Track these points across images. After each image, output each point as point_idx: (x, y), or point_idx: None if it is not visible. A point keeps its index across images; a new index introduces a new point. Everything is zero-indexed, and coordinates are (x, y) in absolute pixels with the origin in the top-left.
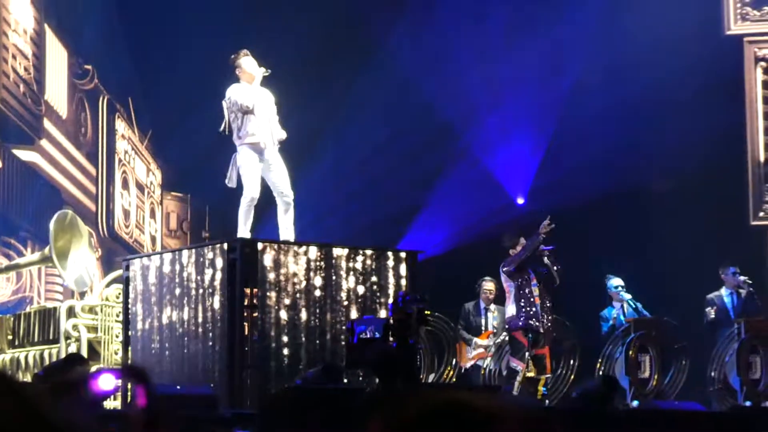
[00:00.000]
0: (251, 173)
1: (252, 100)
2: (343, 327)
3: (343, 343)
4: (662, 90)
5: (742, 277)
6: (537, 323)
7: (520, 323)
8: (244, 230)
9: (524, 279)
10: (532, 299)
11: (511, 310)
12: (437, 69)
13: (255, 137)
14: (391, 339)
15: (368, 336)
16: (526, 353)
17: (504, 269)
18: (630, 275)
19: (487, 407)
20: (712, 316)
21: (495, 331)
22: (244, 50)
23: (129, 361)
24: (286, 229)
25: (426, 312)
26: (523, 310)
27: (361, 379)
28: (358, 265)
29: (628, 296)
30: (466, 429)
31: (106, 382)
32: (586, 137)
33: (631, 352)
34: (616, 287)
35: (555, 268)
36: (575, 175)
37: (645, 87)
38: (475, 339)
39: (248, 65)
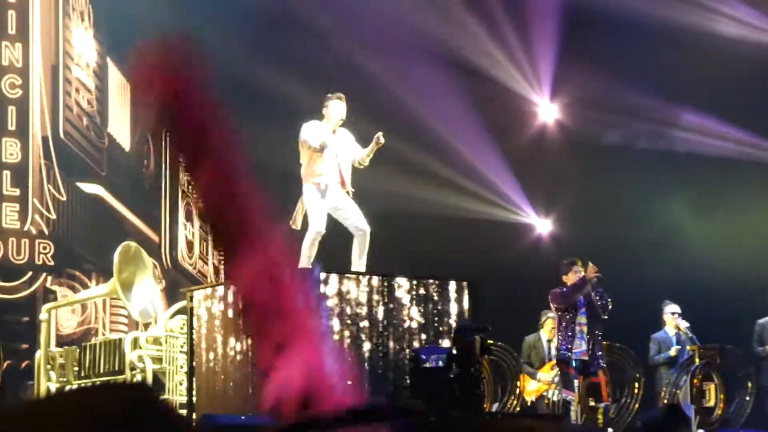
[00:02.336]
0: (316, 209)
1: (321, 139)
2: (406, 356)
3: (406, 372)
4: (721, 115)
5: None
6: (582, 351)
7: (564, 353)
8: (305, 262)
9: (569, 308)
10: (577, 328)
11: (556, 340)
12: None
13: (319, 177)
14: (453, 368)
15: (431, 365)
16: (575, 381)
17: (552, 303)
18: (685, 300)
19: None
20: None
21: None
22: (338, 94)
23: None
24: (359, 263)
25: (488, 341)
26: (566, 339)
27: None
28: (421, 295)
29: (686, 324)
30: None
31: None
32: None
33: (695, 380)
34: (674, 313)
35: (600, 302)
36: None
37: (704, 110)
38: (539, 373)
39: (334, 110)
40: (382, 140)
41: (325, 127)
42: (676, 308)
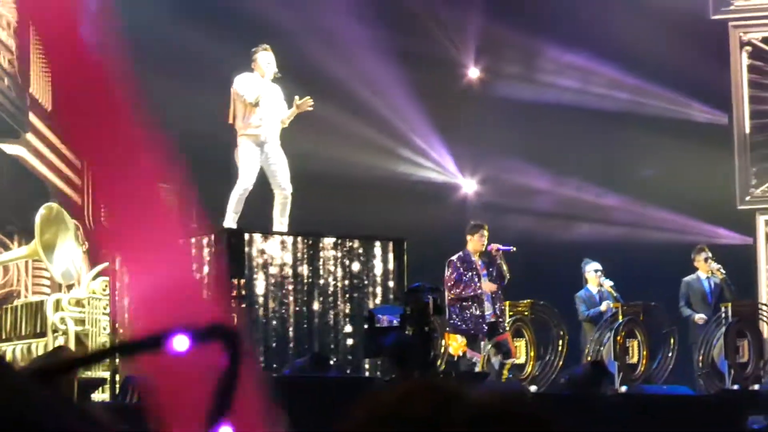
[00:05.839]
0: (249, 164)
1: (256, 94)
2: (331, 318)
3: (331, 333)
4: (647, 74)
5: (715, 265)
6: (491, 314)
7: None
8: (231, 219)
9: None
10: (478, 291)
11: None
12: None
13: (256, 130)
14: (408, 328)
15: (386, 324)
16: (482, 343)
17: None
18: (612, 259)
19: (477, 398)
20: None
21: None
22: (264, 45)
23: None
24: (281, 222)
25: (438, 302)
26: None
27: (379, 367)
28: (346, 255)
29: (610, 282)
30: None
31: (181, 343)
32: (567, 121)
33: (619, 338)
34: (597, 271)
35: (505, 268)
36: (555, 163)
37: (630, 69)
38: None
39: (263, 61)
40: (309, 106)
41: (260, 80)
42: (598, 266)
